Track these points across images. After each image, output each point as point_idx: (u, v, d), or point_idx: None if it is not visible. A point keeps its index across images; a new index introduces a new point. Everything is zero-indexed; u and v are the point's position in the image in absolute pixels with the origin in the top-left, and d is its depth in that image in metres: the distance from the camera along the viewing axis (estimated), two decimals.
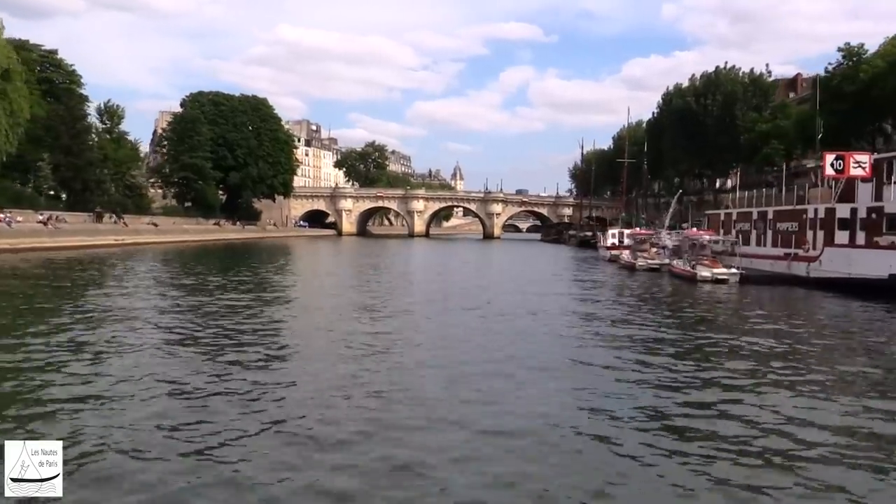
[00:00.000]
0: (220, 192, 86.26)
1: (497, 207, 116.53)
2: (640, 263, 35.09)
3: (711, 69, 68.78)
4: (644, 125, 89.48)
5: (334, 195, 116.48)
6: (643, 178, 72.95)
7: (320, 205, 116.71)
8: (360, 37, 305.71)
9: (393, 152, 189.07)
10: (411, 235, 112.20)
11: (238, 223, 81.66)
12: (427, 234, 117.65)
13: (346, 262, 45.94)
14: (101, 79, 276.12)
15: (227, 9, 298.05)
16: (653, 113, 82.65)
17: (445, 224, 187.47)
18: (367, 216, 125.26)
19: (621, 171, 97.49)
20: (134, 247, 48.91)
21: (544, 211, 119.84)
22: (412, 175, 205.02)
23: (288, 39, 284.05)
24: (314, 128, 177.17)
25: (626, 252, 40.08)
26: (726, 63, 68.62)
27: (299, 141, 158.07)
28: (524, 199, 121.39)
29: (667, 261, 34.36)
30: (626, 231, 48.59)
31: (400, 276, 30.88)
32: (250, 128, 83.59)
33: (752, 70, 66.88)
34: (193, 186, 72.68)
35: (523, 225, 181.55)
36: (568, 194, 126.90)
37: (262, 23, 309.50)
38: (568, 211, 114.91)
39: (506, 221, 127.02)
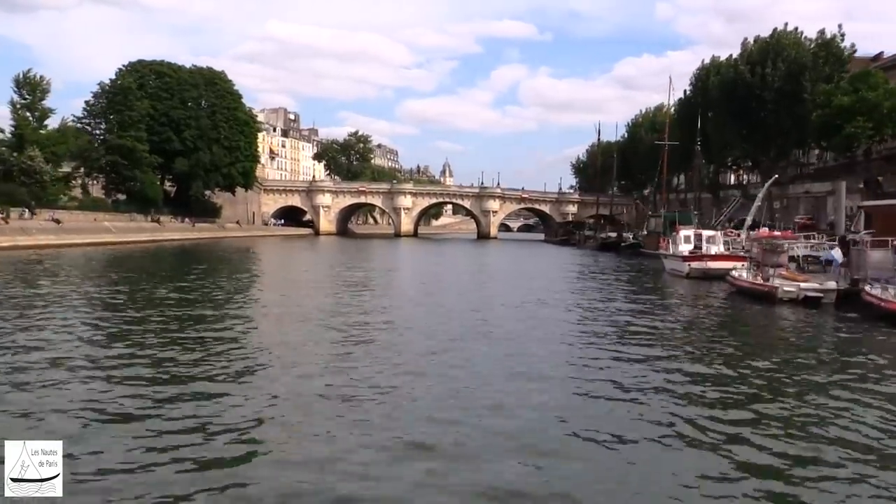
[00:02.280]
0: (169, 182, 72.05)
1: (494, 204, 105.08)
2: (786, 289, 19.92)
3: (766, 34, 55.61)
4: (665, 110, 76.34)
5: (311, 189, 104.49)
6: (696, 163, 59.07)
7: (295, 200, 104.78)
8: (352, 34, 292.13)
9: (379, 146, 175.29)
10: (398, 235, 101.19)
11: (187, 220, 67.25)
12: (415, 234, 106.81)
13: (306, 281, 32.30)
14: (86, 75, 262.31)
15: (216, 5, 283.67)
16: (684, 91, 69.57)
17: (435, 223, 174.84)
18: (348, 213, 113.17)
19: (638, 162, 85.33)
20: (5, 253, 35.05)
21: (546, 208, 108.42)
22: (399, 171, 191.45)
23: (278, 36, 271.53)
24: (292, 117, 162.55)
25: (739, 266, 25.61)
26: (786, 25, 55.36)
27: (275, 131, 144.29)
28: (524, 196, 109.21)
29: (833, 285, 19.85)
30: (706, 233, 33.61)
31: (372, 326, 16.31)
32: (203, 105, 68.70)
33: (822, 32, 53.60)
34: (125, 174, 58.07)
35: (514, 224, 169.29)
36: (571, 190, 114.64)
37: (251, 19, 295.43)
38: (572, 208, 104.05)
39: (502, 219, 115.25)
